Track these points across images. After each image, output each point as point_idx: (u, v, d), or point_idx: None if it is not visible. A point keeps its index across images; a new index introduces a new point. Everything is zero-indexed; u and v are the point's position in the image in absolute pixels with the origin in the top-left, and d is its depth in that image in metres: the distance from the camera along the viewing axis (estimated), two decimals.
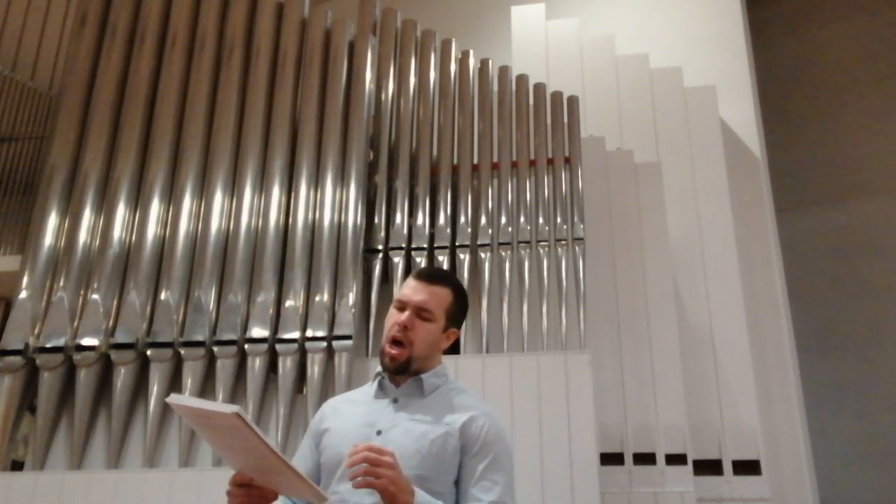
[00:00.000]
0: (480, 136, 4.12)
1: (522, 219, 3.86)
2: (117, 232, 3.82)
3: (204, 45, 4.17)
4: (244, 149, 3.98)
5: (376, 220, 3.91)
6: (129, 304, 3.67)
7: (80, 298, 3.72)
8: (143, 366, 3.63)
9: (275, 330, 3.61)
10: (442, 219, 3.91)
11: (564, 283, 3.68)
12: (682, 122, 4.56)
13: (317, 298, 3.65)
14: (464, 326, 3.64)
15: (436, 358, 1.92)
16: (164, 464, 3.47)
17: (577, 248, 3.76)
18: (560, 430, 3.30)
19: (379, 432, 1.81)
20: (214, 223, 3.82)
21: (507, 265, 3.76)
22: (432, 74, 4.31)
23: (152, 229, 3.82)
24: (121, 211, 3.87)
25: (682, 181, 4.39)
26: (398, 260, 3.80)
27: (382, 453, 1.59)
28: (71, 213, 3.89)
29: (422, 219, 3.91)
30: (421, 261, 3.79)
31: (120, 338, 3.61)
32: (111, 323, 3.66)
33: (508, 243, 3.82)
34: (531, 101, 4.17)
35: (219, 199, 3.87)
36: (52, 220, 3.87)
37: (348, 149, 3.98)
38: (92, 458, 3.54)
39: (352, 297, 3.63)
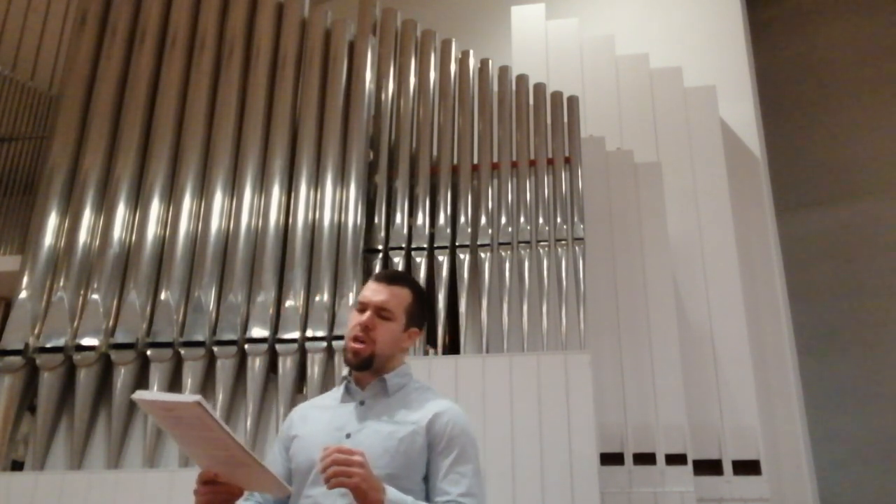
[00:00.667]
0: (480, 136, 4.12)
1: (522, 219, 3.86)
2: (117, 232, 3.82)
3: (204, 45, 4.17)
4: (244, 149, 3.98)
5: (376, 220, 3.91)
6: (129, 304, 3.67)
7: (80, 298, 3.72)
8: (143, 366, 3.63)
9: (275, 330, 3.61)
10: (442, 219, 3.91)
11: (564, 283, 3.68)
12: (682, 122, 4.56)
13: (317, 298, 3.65)
14: (463, 326, 3.66)
15: (398, 358, 1.97)
16: (164, 464, 3.47)
17: (577, 248, 3.76)
18: (560, 430, 3.30)
19: (348, 435, 1.85)
20: (214, 223, 3.82)
21: (507, 265, 3.76)
22: (432, 74, 4.31)
23: (152, 229, 3.82)
24: (121, 211, 3.87)
25: (682, 181, 4.39)
26: (398, 260, 3.80)
27: (352, 453, 1.63)
28: (71, 213, 3.89)
29: (422, 219, 3.91)
30: (421, 261, 3.79)
31: (120, 338, 3.61)
32: (111, 323, 3.67)
33: (508, 243, 3.82)
34: (531, 101, 4.17)
35: (219, 199, 3.87)
36: (52, 220, 3.87)
37: (348, 149, 3.98)
38: (92, 458, 3.54)
39: (352, 297, 3.63)
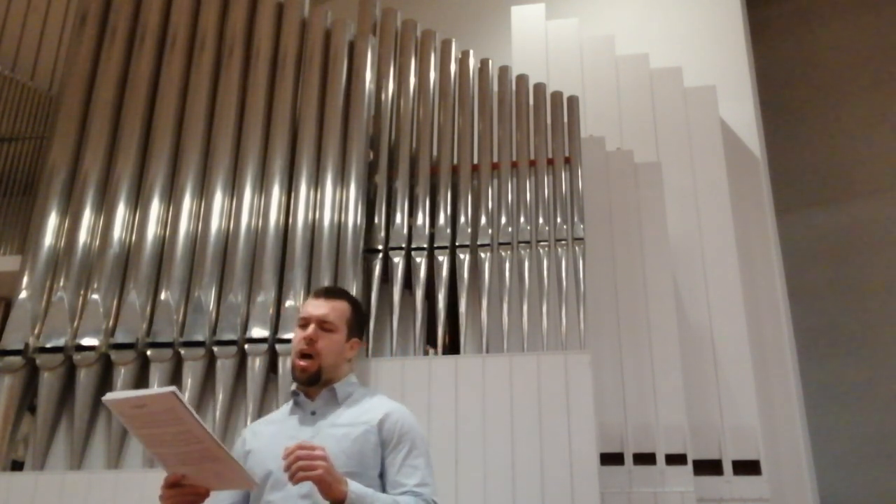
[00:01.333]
0: (480, 136, 4.11)
1: (522, 219, 3.86)
2: (117, 232, 3.82)
3: (204, 45, 4.17)
4: (244, 149, 3.97)
5: (376, 220, 3.91)
6: (129, 304, 3.67)
7: (80, 298, 3.72)
8: (143, 366, 3.63)
9: (275, 330, 3.61)
10: (442, 219, 3.91)
11: (564, 283, 3.68)
12: (682, 122, 4.56)
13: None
14: (463, 326, 3.67)
15: (343, 368, 2.07)
16: None
17: (577, 248, 3.76)
18: (560, 430, 3.30)
19: None
20: (214, 223, 3.82)
21: (507, 265, 3.76)
22: (432, 74, 4.31)
23: (152, 229, 3.82)
24: (121, 211, 3.87)
25: (682, 181, 4.39)
26: (398, 260, 3.80)
27: (314, 448, 1.71)
28: (71, 213, 3.89)
29: (422, 219, 3.91)
30: (421, 261, 3.79)
31: (120, 338, 3.61)
32: (111, 323, 3.66)
33: (508, 243, 3.82)
34: (531, 101, 4.17)
35: (219, 199, 3.87)
36: (52, 220, 3.87)
37: (348, 149, 3.98)
38: (92, 458, 3.54)
39: None
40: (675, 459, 3.60)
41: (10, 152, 4.50)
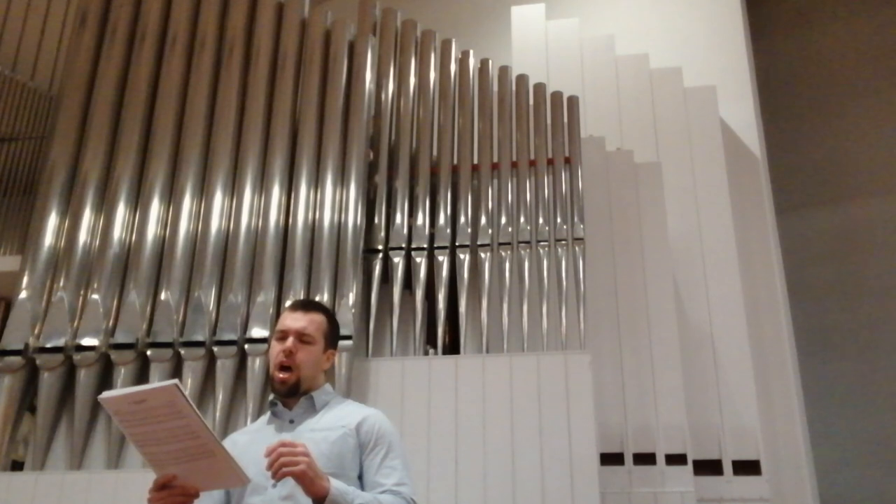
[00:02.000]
0: (480, 136, 4.11)
1: (522, 219, 3.86)
2: (117, 232, 3.82)
3: (204, 45, 4.17)
4: (244, 149, 3.97)
5: (376, 220, 3.91)
6: (129, 304, 3.67)
7: (80, 298, 3.71)
8: (143, 366, 3.63)
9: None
10: (442, 219, 3.91)
11: (564, 283, 3.68)
12: (682, 122, 4.56)
13: (317, 298, 3.64)
14: (463, 326, 3.67)
15: (320, 378, 2.12)
16: None
17: (577, 248, 3.76)
18: (560, 430, 3.30)
19: None
20: (214, 223, 3.82)
21: (507, 265, 3.76)
22: (432, 74, 4.31)
23: (152, 229, 3.82)
24: (121, 211, 3.87)
25: (682, 181, 4.40)
26: (398, 260, 3.80)
27: (296, 445, 1.75)
28: (71, 213, 3.89)
29: (422, 219, 3.91)
30: (421, 261, 3.79)
31: (120, 338, 3.61)
32: (111, 323, 3.66)
33: (508, 243, 3.82)
34: (531, 101, 4.17)
35: (219, 199, 3.87)
36: (52, 220, 3.87)
37: (348, 149, 3.98)
38: (92, 458, 3.54)
39: (352, 297, 3.63)
40: (675, 459, 3.60)
41: (10, 152, 4.50)
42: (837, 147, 5.90)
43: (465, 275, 3.76)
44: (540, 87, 4.20)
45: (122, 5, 4.27)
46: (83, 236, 3.83)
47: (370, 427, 2.02)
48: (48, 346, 3.58)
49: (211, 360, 3.61)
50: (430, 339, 3.75)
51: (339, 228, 3.80)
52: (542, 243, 3.81)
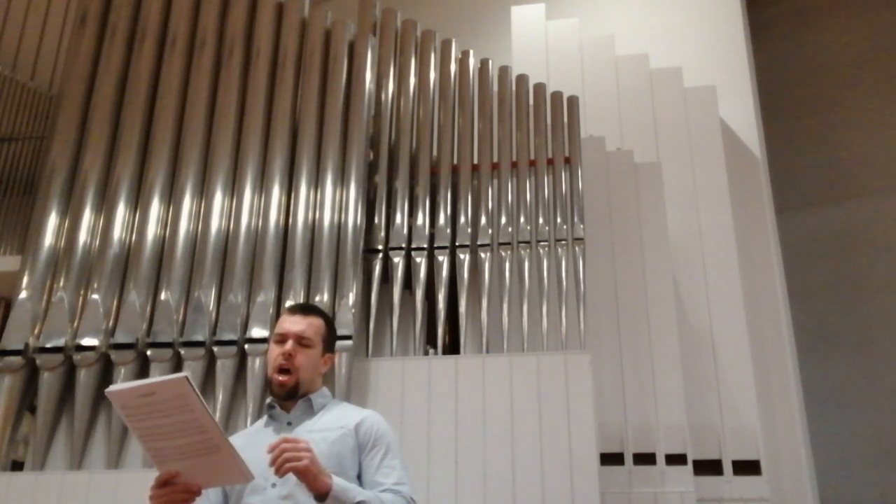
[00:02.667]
0: (480, 136, 4.11)
1: (522, 219, 3.86)
2: (117, 232, 3.82)
3: (204, 45, 4.17)
4: (244, 149, 3.97)
5: (376, 220, 3.91)
6: (129, 304, 3.67)
7: (80, 298, 3.71)
8: (143, 366, 3.63)
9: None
10: (442, 219, 3.91)
11: (564, 283, 3.68)
12: (682, 122, 4.56)
13: (317, 298, 3.64)
14: (463, 326, 3.67)
15: (318, 381, 2.14)
16: None
17: (577, 248, 3.76)
18: (560, 430, 3.30)
19: None
20: (214, 223, 3.82)
21: (507, 265, 3.76)
22: (432, 74, 4.31)
23: (152, 229, 3.82)
24: (121, 211, 3.87)
25: (682, 181, 4.39)
26: (398, 260, 3.80)
27: (298, 441, 1.76)
28: (71, 213, 3.88)
29: (422, 219, 3.91)
30: (421, 261, 3.79)
31: (120, 338, 3.61)
32: (111, 323, 3.66)
33: (508, 243, 3.82)
34: (531, 102, 4.17)
35: (219, 199, 3.87)
36: (52, 220, 3.87)
37: (348, 149, 3.98)
38: (92, 458, 3.54)
39: (352, 297, 3.63)
40: (675, 459, 3.60)
41: (10, 152, 4.50)
42: (837, 147, 5.90)
43: (465, 275, 3.76)
44: (540, 87, 4.20)
45: (122, 5, 4.27)
46: (83, 236, 3.83)
47: (368, 427, 2.04)
48: (48, 346, 3.58)
49: (211, 360, 3.61)
50: (430, 339, 3.75)
51: (339, 228, 3.80)
52: (542, 243, 3.81)
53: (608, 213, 4.13)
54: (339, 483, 1.79)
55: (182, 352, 3.59)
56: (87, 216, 3.87)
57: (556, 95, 4.16)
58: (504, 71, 4.26)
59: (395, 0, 4.58)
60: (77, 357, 3.57)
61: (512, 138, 4.08)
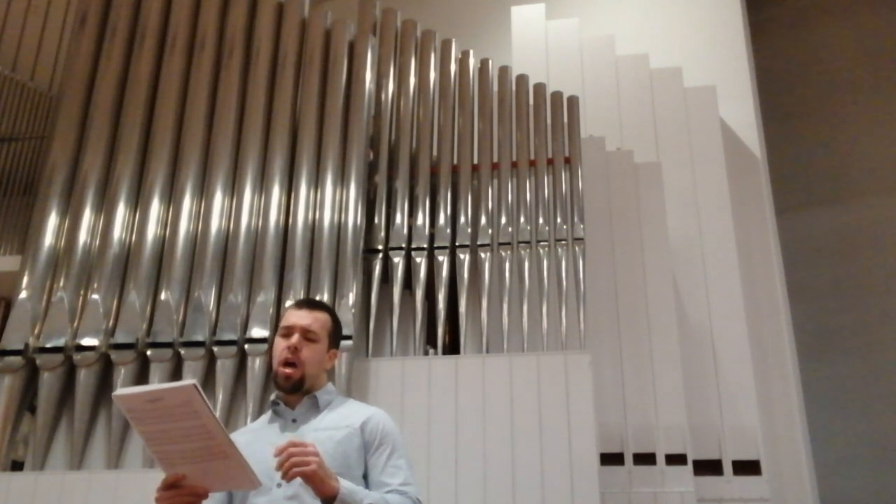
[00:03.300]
0: (480, 136, 4.12)
1: (522, 219, 3.86)
2: (117, 232, 3.82)
3: (204, 45, 4.17)
4: (244, 149, 3.97)
5: (376, 220, 3.91)
6: (129, 304, 3.67)
7: (80, 298, 3.71)
8: (143, 366, 3.63)
9: (275, 330, 3.60)
10: (442, 219, 3.91)
11: (564, 283, 3.68)
12: (682, 122, 4.56)
13: (317, 298, 3.64)
14: (463, 326, 3.67)
15: (323, 377, 2.12)
16: None
17: (577, 248, 3.76)
18: (560, 430, 3.30)
19: None
20: (214, 223, 3.82)
21: (507, 265, 3.76)
22: (432, 74, 4.31)
23: (152, 229, 3.82)
24: (121, 211, 3.87)
25: (682, 181, 4.39)
26: (398, 260, 3.80)
27: (305, 445, 1.75)
28: (71, 213, 3.89)
29: (422, 219, 3.91)
30: (421, 261, 3.79)
31: (120, 338, 3.61)
32: (111, 323, 3.66)
33: (508, 243, 3.82)
34: (531, 102, 4.17)
35: (219, 199, 3.87)
36: (52, 220, 3.87)
37: (348, 149, 3.98)
38: (92, 458, 3.54)
39: (352, 297, 3.63)
40: (675, 459, 3.60)
41: (10, 152, 4.50)
42: (837, 147, 5.90)
43: (465, 275, 3.76)
44: (540, 87, 4.20)
45: (122, 5, 4.27)
46: (83, 236, 3.83)
47: (374, 426, 2.02)
48: (48, 346, 3.58)
49: (211, 360, 3.61)
50: (430, 339, 3.75)
51: (339, 228, 3.80)
52: (542, 243, 3.81)
53: (608, 213, 4.13)
54: (345, 486, 1.78)
55: (182, 352, 3.59)
56: (87, 216, 3.87)
57: (556, 95, 4.16)
58: (504, 71, 4.26)
59: (395, 0, 4.58)
60: (77, 357, 3.57)
61: (512, 138, 4.08)
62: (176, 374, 3.61)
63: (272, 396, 2.11)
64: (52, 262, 3.79)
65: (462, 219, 3.90)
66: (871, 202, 5.65)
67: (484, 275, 3.75)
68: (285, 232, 3.83)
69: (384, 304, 3.77)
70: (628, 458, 3.63)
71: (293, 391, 2.04)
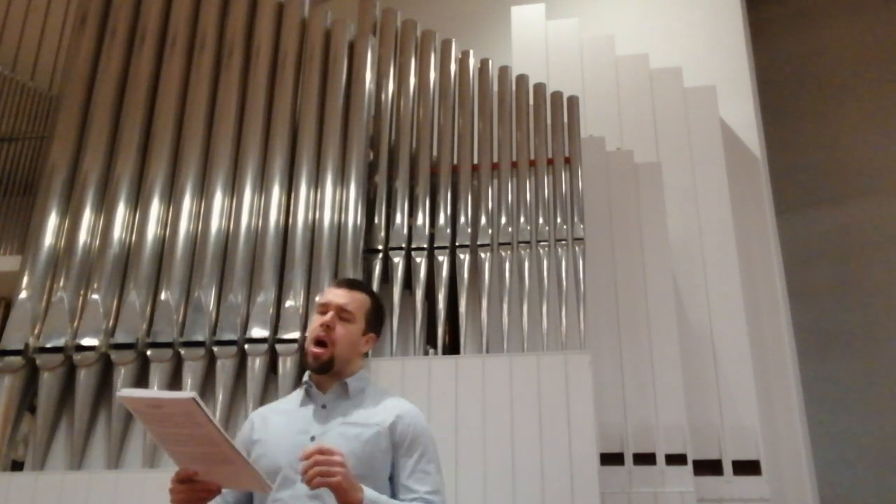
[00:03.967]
0: (480, 136, 4.12)
1: (522, 219, 3.86)
2: (117, 232, 3.82)
3: (204, 45, 4.17)
4: (244, 149, 3.98)
5: (376, 220, 3.91)
6: (129, 304, 3.67)
7: (80, 298, 3.71)
8: (143, 366, 3.63)
9: (275, 330, 3.61)
10: (442, 219, 3.91)
11: (564, 283, 3.68)
12: (682, 122, 4.56)
13: (317, 298, 3.62)
14: (463, 326, 3.66)
15: (356, 362, 2.04)
16: (164, 464, 3.47)
17: (577, 248, 3.76)
18: (560, 430, 3.30)
19: (312, 438, 1.89)
20: (214, 223, 3.82)
21: (507, 265, 3.76)
22: (432, 74, 4.31)
23: (152, 229, 3.82)
24: (121, 211, 3.87)
25: (682, 181, 4.39)
26: (398, 260, 3.80)
27: (332, 453, 1.69)
28: (71, 213, 3.89)
29: (422, 219, 3.91)
30: (421, 261, 3.79)
31: (120, 338, 3.61)
32: (111, 323, 3.66)
33: (508, 243, 3.82)
34: (531, 102, 4.17)
35: (219, 199, 3.87)
36: (52, 220, 3.87)
37: (348, 149, 3.98)
38: (92, 458, 3.54)
39: None
40: (675, 459, 3.60)
41: (10, 152, 4.50)
42: (837, 147, 5.90)
43: (465, 275, 3.76)
44: (540, 87, 4.20)
45: (122, 6, 4.27)
46: (83, 236, 3.83)
47: (406, 427, 1.95)
48: (48, 346, 3.58)
49: (211, 360, 3.61)
50: (430, 339, 3.75)
51: (339, 228, 3.80)
52: (542, 243, 3.81)
53: (608, 213, 4.13)
54: (369, 497, 1.74)
55: (182, 352, 3.59)
56: (87, 216, 3.87)
57: (556, 95, 4.16)
58: (504, 71, 4.26)
59: (395, 0, 4.58)
60: (77, 357, 3.57)
61: (512, 138, 4.08)
62: (176, 374, 3.61)
63: (305, 377, 2.04)
64: (52, 262, 3.79)
65: (462, 219, 3.90)
66: (871, 202, 5.65)
67: (484, 275, 3.75)
68: (285, 232, 3.83)
69: (384, 304, 3.77)
70: (628, 458, 3.63)
71: (321, 372, 1.97)
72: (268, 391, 3.58)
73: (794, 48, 6.21)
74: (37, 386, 3.58)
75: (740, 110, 4.85)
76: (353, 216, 3.81)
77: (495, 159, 4.05)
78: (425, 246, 3.84)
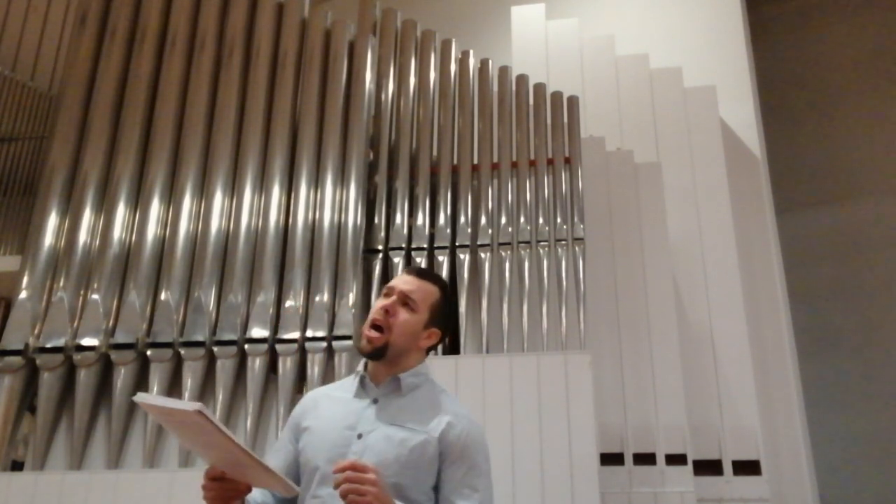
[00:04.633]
0: (480, 136, 4.11)
1: (522, 219, 3.86)
2: (117, 232, 3.82)
3: (204, 45, 4.17)
4: (244, 149, 3.98)
5: (376, 220, 3.91)
6: (129, 304, 3.67)
7: (80, 298, 3.71)
8: (143, 366, 3.63)
9: (275, 330, 3.61)
10: (442, 219, 3.91)
11: (564, 283, 3.68)
12: (682, 122, 4.55)
13: (317, 298, 3.65)
14: (463, 326, 3.66)
15: (414, 356, 1.91)
16: (164, 464, 3.47)
17: (577, 248, 3.76)
18: (560, 430, 3.29)
19: (360, 436, 1.82)
20: (214, 223, 3.82)
21: (507, 265, 3.76)
22: (432, 74, 4.31)
23: (152, 229, 3.82)
24: (121, 211, 3.87)
25: (682, 181, 4.39)
26: (398, 260, 3.80)
27: (366, 470, 1.61)
28: (71, 213, 3.89)
29: (422, 219, 3.91)
30: (421, 261, 3.79)
31: (120, 338, 3.61)
32: (111, 323, 3.66)
33: (508, 243, 3.82)
34: (531, 102, 4.17)
35: (219, 199, 3.87)
36: (52, 220, 3.87)
37: (348, 149, 3.98)
38: (92, 458, 3.54)
39: (352, 298, 3.63)
40: (675, 459, 3.59)
41: (10, 152, 4.50)
42: (837, 147, 5.90)
43: (465, 275, 3.76)
44: (540, 87, 4.20)
45: (122, 5, 4.27)
46: (83, 236, 3.83)
47: (456, 437, 1.83)
48: (48, 346, 3.58)
49: (211, 360, 3.61)
50: None
51: (339, 228, 3.80)
52: (542, 243, 3.81)
53: (608, 213, 4.13)
54: None
55: (182, 352, 3.59)
56: (87, 216, 3.87)
57: (556, 95, 4.16)
58: (504, 71, 4.26)
59: (395, 0, 4.58)
60: (77, 357, 3.57)
61: (512, 138, 4.08)
62: (176, 374, 3.61)
63: (360, 367, 1.94)
64: (52, 262, 3.79)
65: (462, 219, 3.90)
66: (871, 202, 5.65)
67: (484, 275, 3.75)
68: (285, 232, 3.83)
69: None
70: (628, 458, 3.63)
71: (374, 358, 1.86)
72: (268, 391, 3.58)
73: (794, 48, 6.21)
74: (37, 386, 3.58)
75: (740, 110, 4.84)
76: (353, 216, 3.81)
77: (495, 159, 4.05)
78: (425, 246, 3.84)
